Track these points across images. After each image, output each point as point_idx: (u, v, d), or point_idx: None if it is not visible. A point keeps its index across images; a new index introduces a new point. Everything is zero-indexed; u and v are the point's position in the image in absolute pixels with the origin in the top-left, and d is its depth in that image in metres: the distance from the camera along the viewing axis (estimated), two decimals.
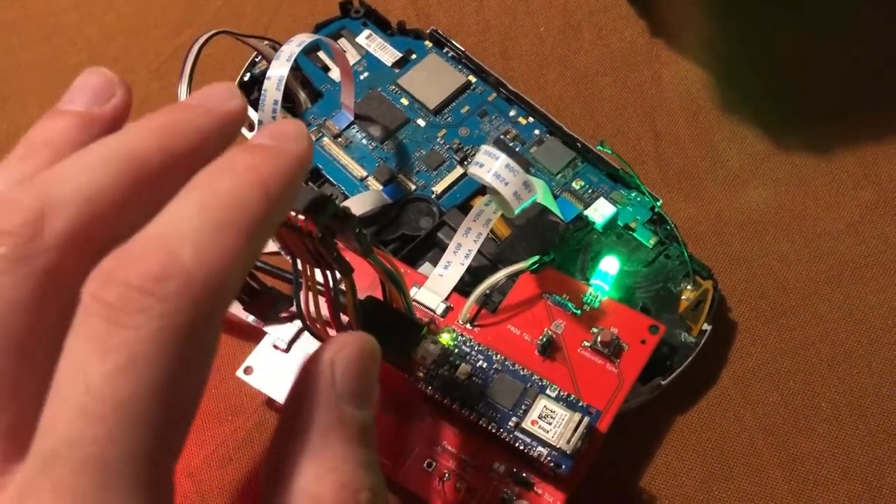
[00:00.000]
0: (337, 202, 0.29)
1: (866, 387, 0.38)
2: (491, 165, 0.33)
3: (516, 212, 0.34)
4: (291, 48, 0.36)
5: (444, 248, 0.39)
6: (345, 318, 0.34)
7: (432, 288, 0.38)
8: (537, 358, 0.36)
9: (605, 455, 0.35)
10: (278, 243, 0.31)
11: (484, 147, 0.34)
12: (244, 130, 0.44)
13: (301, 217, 0.29)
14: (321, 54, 0.46)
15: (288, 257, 0.32)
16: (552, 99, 0.46)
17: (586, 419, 0.32)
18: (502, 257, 0.39)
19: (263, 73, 0.45)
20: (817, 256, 0.41)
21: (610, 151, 0.40)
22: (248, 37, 0.41)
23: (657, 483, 0.37)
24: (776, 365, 0.39)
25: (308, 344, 0.37)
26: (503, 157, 0.33)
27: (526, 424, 0.33)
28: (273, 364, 0.38)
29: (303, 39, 0.36)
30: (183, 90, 0.36)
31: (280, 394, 0.37)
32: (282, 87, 0.35)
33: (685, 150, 0.44)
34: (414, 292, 0.38)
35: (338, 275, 0.32)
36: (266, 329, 0.38)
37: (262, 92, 0.35)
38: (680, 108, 0.46)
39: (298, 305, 0.34)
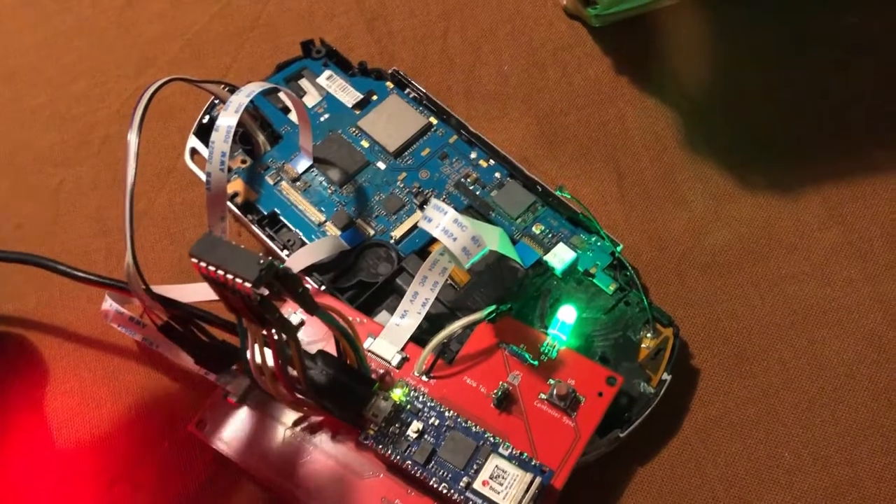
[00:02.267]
0: (275, 262, 0.28)
1: (830, 436, 0.37)
2: (439, 220, 0.32)
3: (466, 266, 0.33)
4: (240, 99, 0.35)
5: (402, 294, 0.39)
6: (293, 373, 0.34)
7: (388, 338, 0.37)
8: (493, 411, 0.35)
9: None
10: (222, 302, 0.31)
11: (433, 201, 0.33)
12: (203, 176, 0.44)
13: (238, 281, 0.28)
14: (282, 95, 0.46)
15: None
16: (515, 138, 0.46)
17: (538, 480, 0.32)
18: (461, 304, 0.39)
19: None
20: (782, 300, 0.40)
21: (569, 196, 0.39)
22: (203, 82, 0.40)
23: None
24: (739, 413, 0.38)
25: (261, 397, 0.37)
26: (451, 213, 0.32)
27: (477, 485, 0.32)
28: (225, 418, 0.37)
29: (252, 90, 0.36)
30: (133, 138, 0.36)
31: (231, 448, 0.36)
32: (230, 139, 0.35)
33: (649, 190, 0.44)
34: (369, 343, 0.37)
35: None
36: (218, 382, 0.37)
37: (210, 143, 0.35)
38: (644, 147, 0.45)
39: (246, 361, 0.34)
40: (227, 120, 0.35)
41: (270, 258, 0.28)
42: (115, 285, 0.37)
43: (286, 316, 0.31)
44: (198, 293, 0.39)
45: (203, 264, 0.29)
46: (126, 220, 0.35)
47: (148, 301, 0.35)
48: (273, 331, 0.31)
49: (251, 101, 0.37)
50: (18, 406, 0.40)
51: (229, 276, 0.28)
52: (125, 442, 0.39)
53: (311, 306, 0.31)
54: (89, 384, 0.40)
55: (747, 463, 0.37)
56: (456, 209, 0.35)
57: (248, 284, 0.28)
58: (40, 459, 0.39)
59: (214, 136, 0.35)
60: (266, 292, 0.29)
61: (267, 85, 0.37)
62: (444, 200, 0.42)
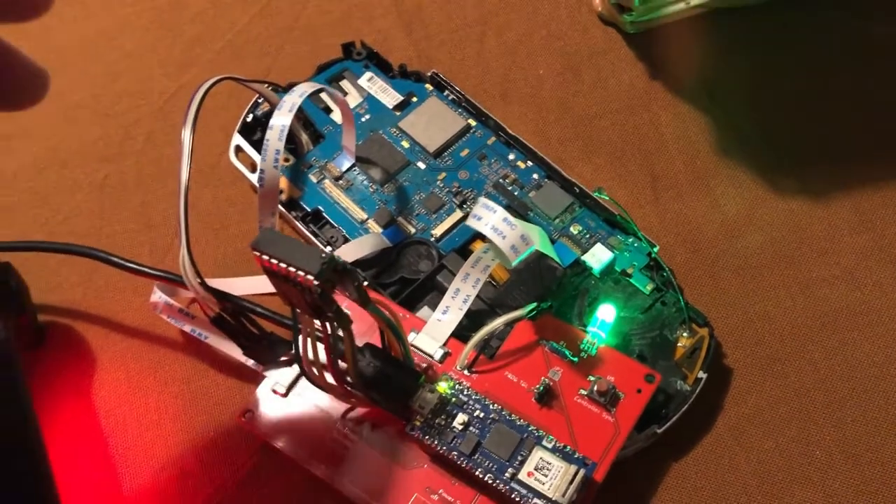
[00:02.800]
0: (336, 256, 0.29)
1: (860, 435, 0.38)
2: (489, 219, 0.33)
3: (514, 264, 0.34)
4: (294, 99, 0.36)
5: (443, 291, 0.40)
6: (343, 365, 0.35)
7: (430, 333, 0.38)
8: (534, 405, 0.36)
9: (601, 502, 0.35)
10: (279, 295, 0.32)
11: (482, 200, 0.34)
12: (247, 173, 0.45)
13: (301, 274, 0.29)
14: (324, 95, 0.47)
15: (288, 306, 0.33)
16: (551, 141, 0.47)
17: (582, 472, 0.33)
18: (501, 302, 0.40)
19: (266, 114, 0.46)
20: (813, 303, 0.41)
21: (607, 198, 0.40)
22: (250, 81, 0.41)
23: None
24: (771, 412, 0.39)
25: (306, 389, 0.38)
26: (500, 211, 0.33)
27: (522, 476, 0.33)
28: (272, 408, 0.38)
29: (304, 90, 0.37)
30: (187, 135, 0.37)
31: (277, 438, 0.37)
32: (283, 137, 0.36)
33: (683, 194, 0.45)
34: (412, 337, 0.38)
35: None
36: (265, 373, 0.38)
37: (265, 141, 0.36)
38: (678, 151, 0.46)
39: (297, 353, 0.35)
40: (282, 119, 0.36)
41: (332, 253, 0.29)
42: (168, 278, 0.38)
43: None
44: (247, 287, 0.40)
45: (265, 257, 0.29)
46: (181, 215, 0.36)
47: (202, 293, 0.36)
48: (327, 324, 0.32)
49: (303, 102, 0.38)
50: (66, 394, 0.41)
51: (291, 269, 0.29)
52: (172, 430, 0.40)
53: (365, 300, 0.32)
54: (136, 374, 0.41)
55: (780, 460, 0.38)
56: None
57: (310, 277, 0.29)
58: (87, 446, 0.40)
59: (269, 133, 0.36)
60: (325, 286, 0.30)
61: (318, 85, 0.38)
62: None
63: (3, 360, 0.36)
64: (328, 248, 0.41)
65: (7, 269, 0.39)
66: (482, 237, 0.42)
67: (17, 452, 0.34)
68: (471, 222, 0.34)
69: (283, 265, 0.29)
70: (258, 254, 0.30)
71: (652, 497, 0.37)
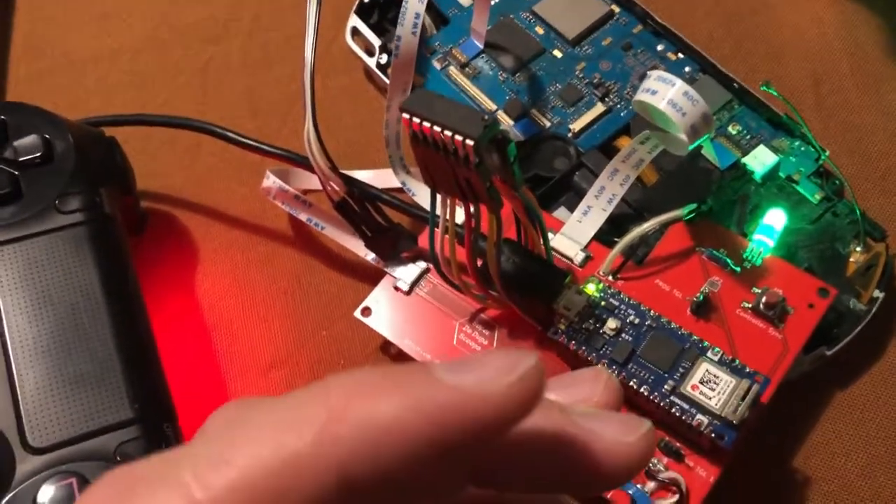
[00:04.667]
0: (498, 121, 0.26)
1: None
2: (666, 92, 0.29)
3: (690, 148, 0.30)
4: None
5: (580, 192, 0.36)
6: (481, 260, 0.31)
7: (570, 234, 0.34)
8: (689, 317, 0.32)
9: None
10: (421, 171, 0.28)
11: (656, 72, 0.30)
12: (364, 56, 0.41)
13: (458, 139, 0.25)
14: None
15: (427, 188, 0.29)
16: (701, 38, 0.42)
17: (755, 387, 0.29)
18: (646, 205, 0.36)
19: None
20: None
21: (776, 94, 0.36)
22: None
23: (813, 463, 0.33)
24: None
25: (431, 287, 0.34)
26: (681, 84, 0.29)
27: (685, 389, 0.29)
28: (393, 306, 0.34)
29: None
30: (312, 8, 0.33)
31: (397, 337, 0.34)
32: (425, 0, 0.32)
33: (849, 99, 0.40)
34: (549, 238, 0.34)
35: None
36: (386, 269, 0.35)
37: (403, 4, 0.32)
38: (844, 53, 0.41)
39: (431, 244, 0.31)
40: None
41: (495, 115, 0.26)
42: (291, 157, 0.35)
43: None
44: (369, 179, 0.36)
45: (417, 120, 0.26)
46: (307, 92, 0.33)
47: (330, 175, 0.32)
48: (471, 207, 0.29)
49: None
50: (167, 284, 0.38)
51: (447, 133, 0.25)
52: (282, 327, 0.37)
53: (518, 180, 0.28)
54: (242, 267, 0.39)
55: None
56: None
57: (469, 142, 0.25)
58: (190, 342, 0.37)
59: None
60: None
61: None
62: (627, 95, 0.38)
63: (112, 238, 0.33)
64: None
65: (113, 145, 0.36)
66: (628, 133, 0.38)
67: (127, 339, 0.31)
68: (642, 97, 0.30)
69: (437, 128, 0.26)
70: (408, 115, 0.26)
71: (814, 427, 0.33)
